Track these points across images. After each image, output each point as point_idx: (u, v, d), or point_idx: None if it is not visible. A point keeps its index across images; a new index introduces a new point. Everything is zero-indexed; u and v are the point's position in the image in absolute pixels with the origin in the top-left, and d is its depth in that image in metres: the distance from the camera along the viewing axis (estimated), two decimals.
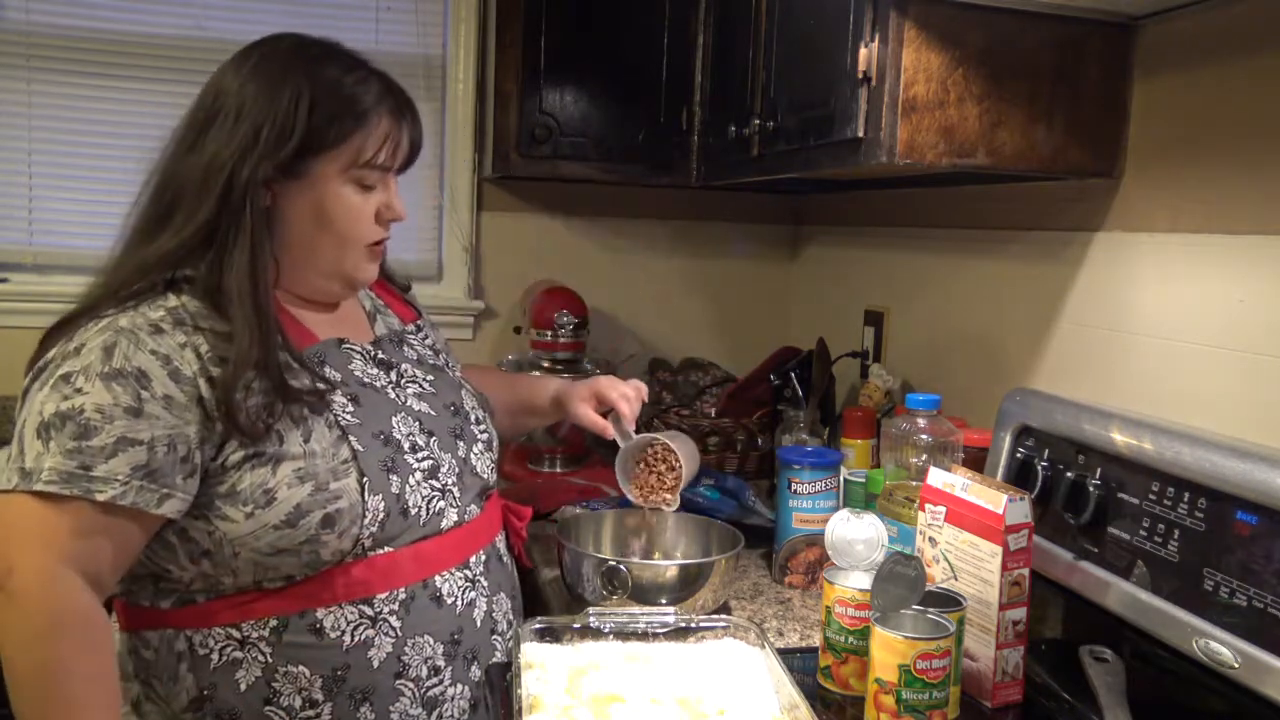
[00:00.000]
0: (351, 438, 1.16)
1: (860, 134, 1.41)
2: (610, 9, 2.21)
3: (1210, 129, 1.33)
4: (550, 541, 1.51)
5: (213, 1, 2.36)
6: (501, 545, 1.36)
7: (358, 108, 1.19)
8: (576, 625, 1.21)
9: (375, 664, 1.16)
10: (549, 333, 2.25)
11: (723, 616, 1.28)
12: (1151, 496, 1.21)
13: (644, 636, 1.21)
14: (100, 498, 1.04)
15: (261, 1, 2.38)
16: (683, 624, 1.22)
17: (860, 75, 1.39)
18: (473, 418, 1.35)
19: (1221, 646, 1.08)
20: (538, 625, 1.21)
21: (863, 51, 1.39)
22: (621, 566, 1.33)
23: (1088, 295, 1.55)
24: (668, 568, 1.40)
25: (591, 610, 1.22)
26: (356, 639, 1.15)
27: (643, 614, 1.23)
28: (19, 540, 1.05)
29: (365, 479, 1.14)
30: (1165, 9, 1.35)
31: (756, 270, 2.75)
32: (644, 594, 1.34)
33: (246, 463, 1.11)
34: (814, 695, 1.21)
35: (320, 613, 1.14)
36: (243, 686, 1.13)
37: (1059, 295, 1.60)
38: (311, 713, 1.14)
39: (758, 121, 1.77)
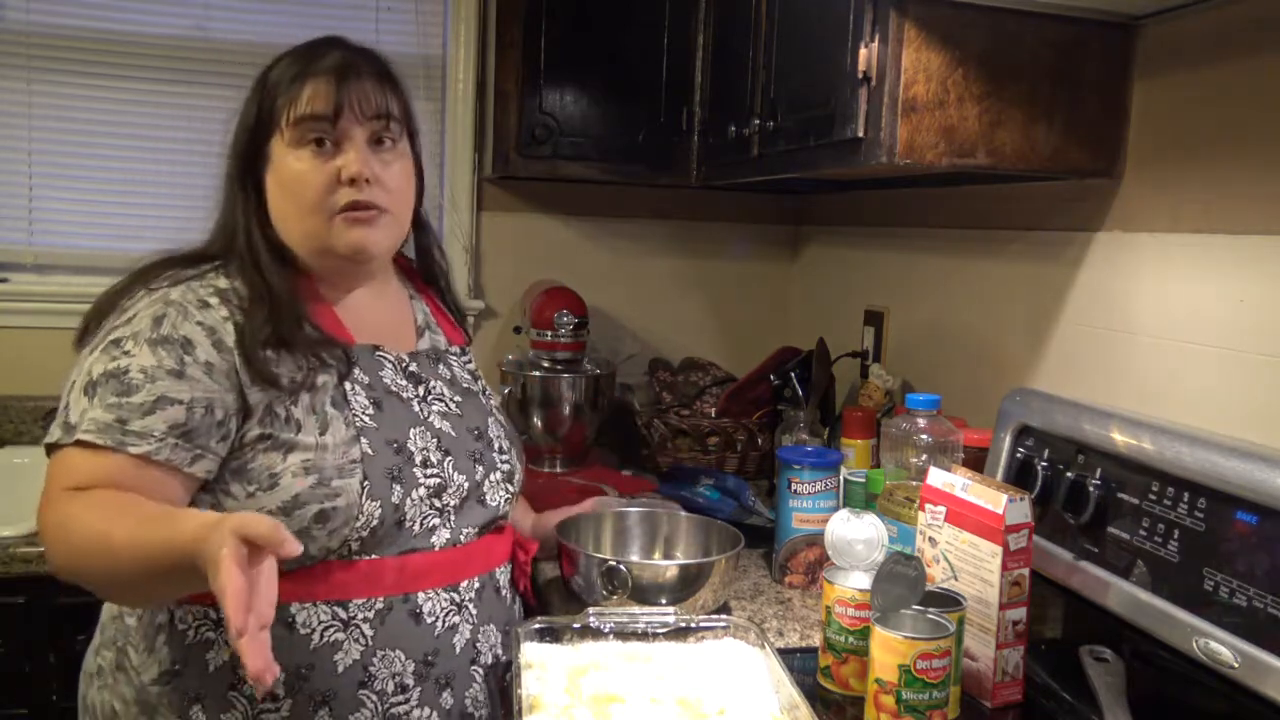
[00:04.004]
0: (364, 440, 1.17)
1: (860, 134, 1.41)
2: (610, 9, 2.21)
3: (1210, 129, 1.32)
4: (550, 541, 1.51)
5: (213, 2, 2.36)
6: (503, 579, 1.34)
7: (293, 78, 1.22)
8: (576, 625, 1.21)
9: (340, 669, 1.16)
10: (549, 333, 2.25)
11: (723, 616, 1.28)
12: (1151, 496, 1.21)
13: (644, 636, 1.21)
14: (134, 451, 1.09)
15: (261, 2, 2.38)
16: (683, 624, 1.22)
17: (860, 75, 1.39)
18: (496, 446, 1.34)
19: (1221, 646, 1.08)
20: (538, 625, 1.21)
21: (863, 51, 1.39)
22: (621, 566, 1.34)
23: (1088, 295, 1.55)
24: (668, 568, 1.40)
25: (591, 610, 1.22)
26: (325, 639, 1.15)
27: (643, 614, 1.23)
28: (56, 489, 1.09)
29: (367, 482, 1.15)
30: (1165, 9, 1.35)
31: (756, 270, 2.75)
32: (644, 594, 1.34)
33: (260, 443, 1.14)
34: (814, 695, 1.21)
35: (294, 607, 1.14)
36: (210, 668, 1.15)
37: (1059, 295, 1.60)
38: (271, 706, 1.15)
39: (758, 121, 1.77)
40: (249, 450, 1.15)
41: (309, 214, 1.22)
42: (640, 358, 2.63)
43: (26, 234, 2.33)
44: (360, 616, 1.17)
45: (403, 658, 1.19)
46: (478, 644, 1.27)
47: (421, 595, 1.21)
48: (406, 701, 1.19)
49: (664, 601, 1.34)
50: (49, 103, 2.31)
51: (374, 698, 1.17)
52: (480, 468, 1.29)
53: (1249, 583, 1.07)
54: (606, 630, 1.21)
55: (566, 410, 2.23)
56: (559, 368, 2.26)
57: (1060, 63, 1.42)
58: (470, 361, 1.44)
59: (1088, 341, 1.54)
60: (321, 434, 1.15)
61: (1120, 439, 1.28)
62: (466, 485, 1.26)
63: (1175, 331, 1.37)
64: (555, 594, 1.50)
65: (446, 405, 1.30)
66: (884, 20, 1.36)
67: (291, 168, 1.22)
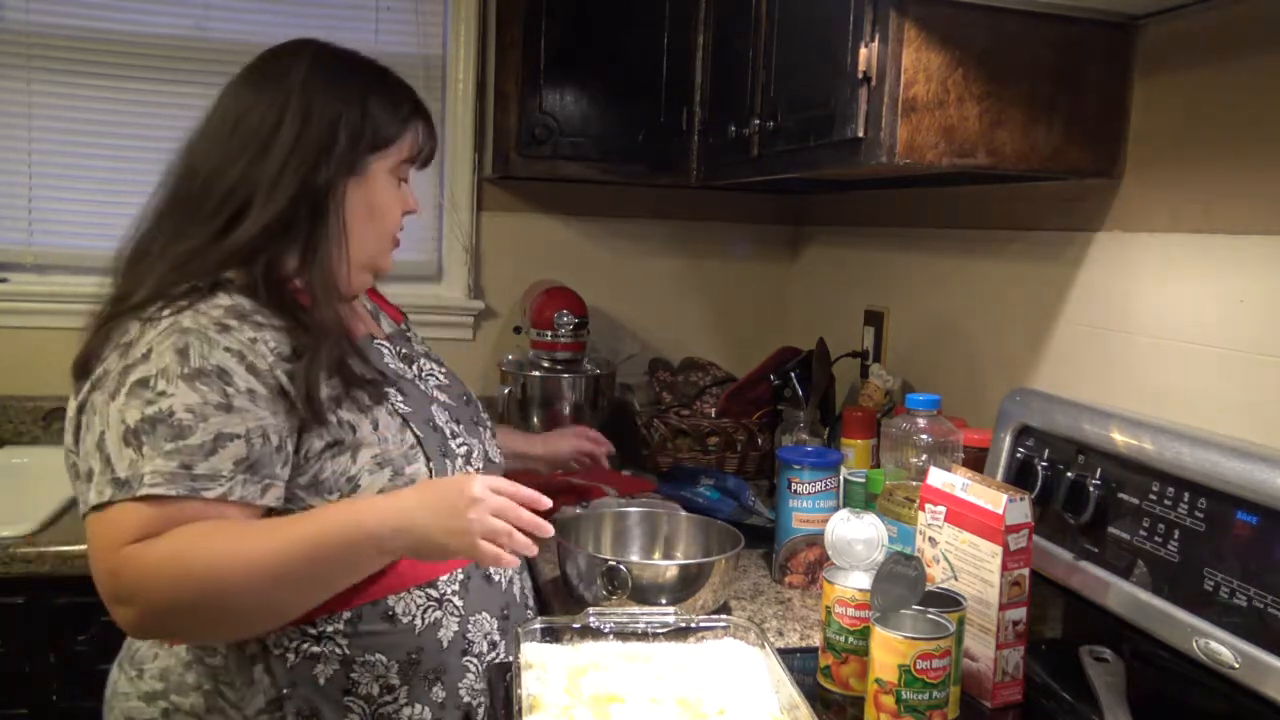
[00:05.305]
0: (412, 424, 1.22)
1: (860, 134, 1.41)
2: (610, 9, 2.21)
3: (1210, 129, 1.32)
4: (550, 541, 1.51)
5: (213, 2, 2.36)
6: None
7: (405, 109, 1.27)
8: (576, 625, 1.21)
9: (445, 643, 1.21)
10: (549, 333, 2.25)
11: (723, 616, 1.28)
12: (1151, 496, 1.21)
13: (644, 636, 1.21)
14: (210, 495, 1.05)
15: (261, 2, 2.38)
16: (683, 624, 1.22)
17: (860, 75, 1.39)
18: (479, 406, 1.43)
19: (1221, 646, 1.08)
20: (538, 625, 1.21)
21: (863, 51, 1.38)
22: (621, 566, 1.34)
23: (1088, 295, 1.55)
24: (668, 568, 1.40)
25: (591, 610, 1.22)
26: (427, 621, 1.20)
27: (643, 614, 1.23)
28: (118, 546, 1.02)
29: (430, 462, 1.21)
30: (1165, 9, 1.35)
31: (756, 270, 2.75)
32: (644, 594, 1.34)
33: (327, 451, 1.14)
34: (814, 695, 1.21)
35: (391, 600, 1.18)
36: (322, 681, 1.15)
37: (1059, 295, 1.60)
38: (389, 698, 1.17)
39: (758, 121, 1.77)
40: (315, 461, 1.13)
41: (382, 239, 1.29)
42: (640, 358, 2.63)
43: (26, 234, 2.33)
44: (449, 591, 1.22)
45: (489, 618, 1.26)
46: (525, 590, 1.37)
47: None
48: (497, 656, 1.26)
49: (664, 601, 1.34)
50: (49, 103, 2.31)
51: (474, 660, 1.24)
52: (480, 429, 1.38)
53: (1249, 583, 1.07)
54: (606, 630, 1.21)
55: (566, 410, 2.24)
56: (559, 368, 2.26)
57: (1060, 63, 1.42)
58: (416, 334, 1.50)
59: (1088, 341, 1.54)
60: (375, 428, 1.18)
61: (1120, 439, 1.28)
62: (480, 447, 1.34)
63: (1175, 331, 1.37)
64: (555, 594, 1.50)
65: (438, 379, 1.38)
66: (884, 20, 1.36)
67: (391, 193, 1.27)
